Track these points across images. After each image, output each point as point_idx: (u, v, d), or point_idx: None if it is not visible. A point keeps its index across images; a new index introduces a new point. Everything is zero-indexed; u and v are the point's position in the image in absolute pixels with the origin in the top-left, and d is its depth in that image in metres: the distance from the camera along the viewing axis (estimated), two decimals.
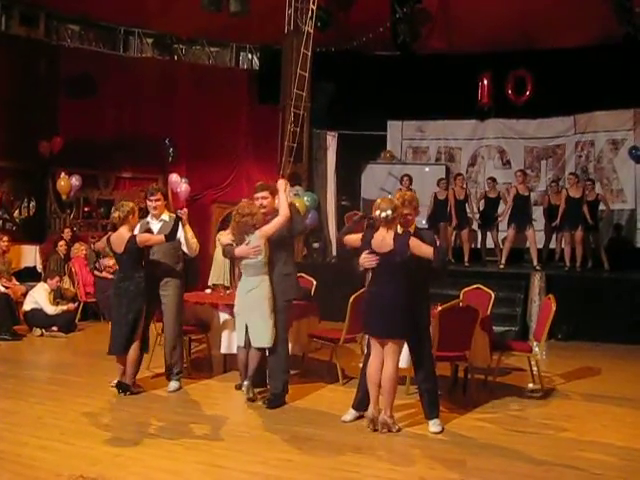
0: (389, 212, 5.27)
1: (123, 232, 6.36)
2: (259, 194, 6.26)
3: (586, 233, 11.47)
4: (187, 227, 6.57)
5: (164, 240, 6.34)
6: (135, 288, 6.29)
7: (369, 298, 5.53)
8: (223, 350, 7.18)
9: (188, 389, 6.63)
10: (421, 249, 5.23)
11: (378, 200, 5.44)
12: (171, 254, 6.61)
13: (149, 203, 6.67)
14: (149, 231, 6.54)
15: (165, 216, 6.69)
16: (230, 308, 6.91)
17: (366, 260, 5.36)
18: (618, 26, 11.82)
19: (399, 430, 5.43)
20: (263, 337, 6.01)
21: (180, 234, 6.48)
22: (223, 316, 7.17)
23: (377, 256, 5.32)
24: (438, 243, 5.58)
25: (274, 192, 6.24)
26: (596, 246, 11.78)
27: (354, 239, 5.59)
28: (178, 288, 6.67)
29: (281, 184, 6.20)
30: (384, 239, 5.30)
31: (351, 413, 5.73)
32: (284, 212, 6.05)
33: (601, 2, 11.59)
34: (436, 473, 4.69)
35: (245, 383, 6.09)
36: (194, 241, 6.70)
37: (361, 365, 5.85)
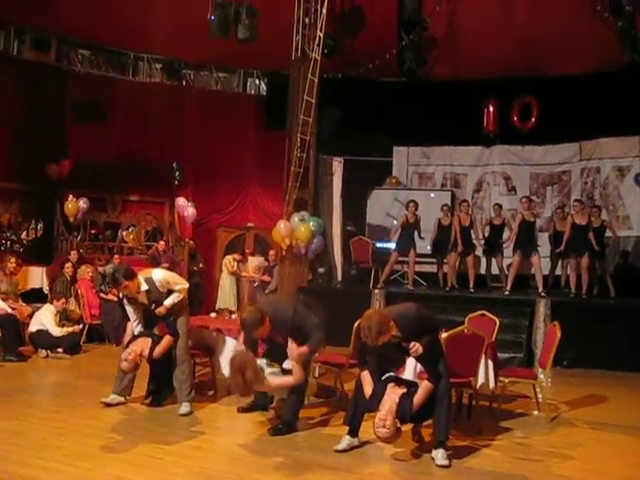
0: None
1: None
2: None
3: (592, 260, 11.42)
4: (167, 302, 6.52)
5: (172, 340, 6.52)
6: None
7: None
8: (227, 374, 7.17)
9: (193, 415, 6.57)
10: (422, 396, 5.20)
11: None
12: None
13: (120, 292, 6.58)
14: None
15: (144, 285, 6.48)
16: (234, 332, 6.96)
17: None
18: (623, 53, 11.91)
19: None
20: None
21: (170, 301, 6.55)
22: (228, 340, 7.17)
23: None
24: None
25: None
26: (602, 273, 11.74)
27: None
28: (184, 311, 6.75)
29: (295, 355, 5.89)
30: None
31: (345, 440, 5.58)
32: (297, 377, 5.86)
33: (606, 30, 11.70)
34: None
35: None
36: (181, 295, 6.63)
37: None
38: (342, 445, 5.55)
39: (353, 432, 5.60)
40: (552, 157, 13.88)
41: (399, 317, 5.31)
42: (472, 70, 13.31)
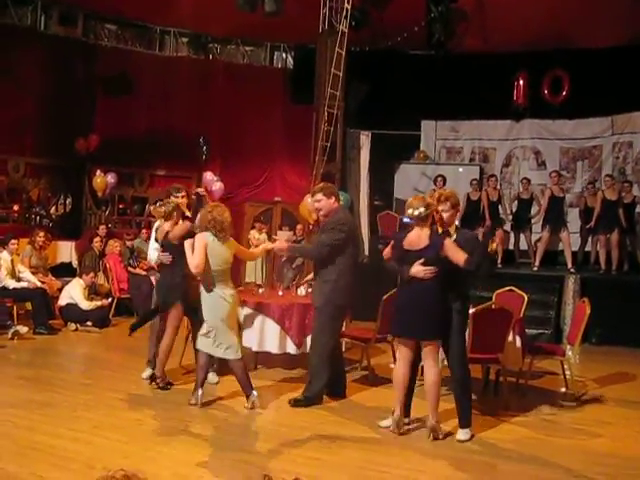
0: (421, 210, 5.21)
1: (165, 227, 6.53)
2: (313, 198, 6.32)
3: (622, 236, 11.29)
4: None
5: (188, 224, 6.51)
6: (168, 283, 6.48)
7: (402, 298, 5.44)
8: (254, 347, 7.21)
9: (218, 386, 6.66)
10: (454, 253, 5.13)
11: (410, 199, 5.38)
12: None
13: (174, 200, 6.70)
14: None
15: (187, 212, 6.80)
16: (262, 306, 7.01)
17: (421, 272, 5.14)
18: None
19: (445, 436, 5.33)
20: (233, 349, 5.89)
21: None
22: (255, 314, 7.20)
23: (414, 257, 5.20)
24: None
25: (328, 193, 6.21)
26: (632, 249, 11.59)
27: (388, 248, 5.58)
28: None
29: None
30: (419, 237, 5.24)
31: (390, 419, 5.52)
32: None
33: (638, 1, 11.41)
34: (466, 476, 4.67)
35: (200, 393, 5.92)
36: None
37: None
38: (386, 422, 5.50)
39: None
40: (583, 131, 13.62)
41: (461, 229, 5.58)
42: (502, 43, 13.05)
